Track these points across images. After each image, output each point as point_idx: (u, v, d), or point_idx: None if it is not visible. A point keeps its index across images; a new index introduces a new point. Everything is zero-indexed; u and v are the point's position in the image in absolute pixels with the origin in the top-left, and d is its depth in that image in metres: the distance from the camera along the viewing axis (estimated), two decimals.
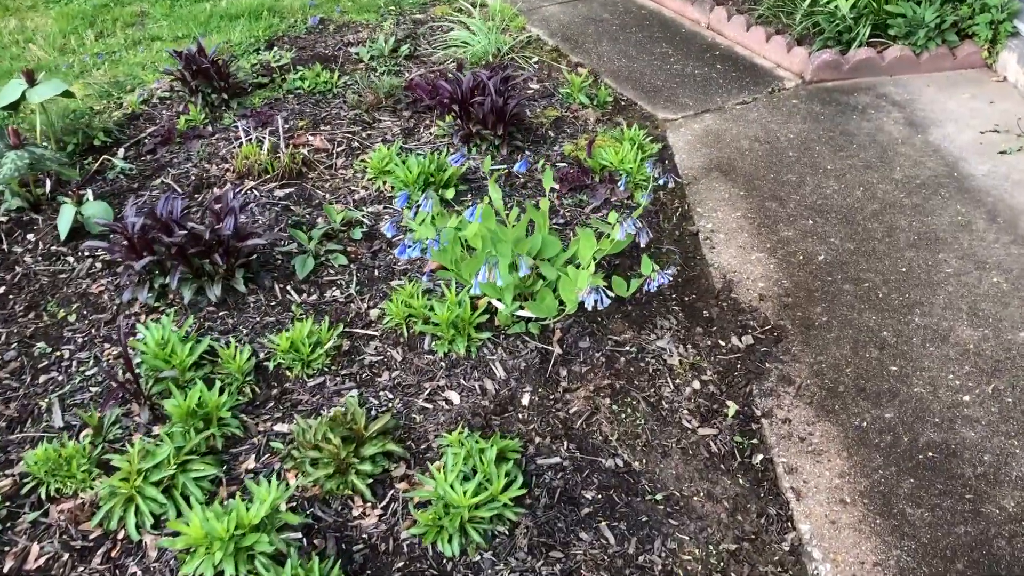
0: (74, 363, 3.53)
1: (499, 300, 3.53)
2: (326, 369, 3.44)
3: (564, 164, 4.79)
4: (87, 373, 3.48)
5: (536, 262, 3.62)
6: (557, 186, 4.58)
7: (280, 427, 3.23)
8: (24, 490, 2.98)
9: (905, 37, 5.72)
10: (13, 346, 3.61)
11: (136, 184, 4.64)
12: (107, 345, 3.61)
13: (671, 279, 3.88)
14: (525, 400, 3.33)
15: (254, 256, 3.90)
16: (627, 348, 3.58)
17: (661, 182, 3.75)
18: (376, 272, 3.98)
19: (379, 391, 3.36)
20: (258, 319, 3.70)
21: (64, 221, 4.17)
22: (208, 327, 3.67)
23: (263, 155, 4.56)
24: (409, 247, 3.25)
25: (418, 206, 3.42)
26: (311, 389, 3.38)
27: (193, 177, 4.66)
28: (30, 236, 4.29)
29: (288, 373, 3.41)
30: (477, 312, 3.53)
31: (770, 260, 4.11)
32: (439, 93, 4.93)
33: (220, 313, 3.74)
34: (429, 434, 3.18)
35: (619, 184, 4.48)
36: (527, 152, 4.88)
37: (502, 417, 3.25)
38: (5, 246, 4.20)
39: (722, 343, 3.65)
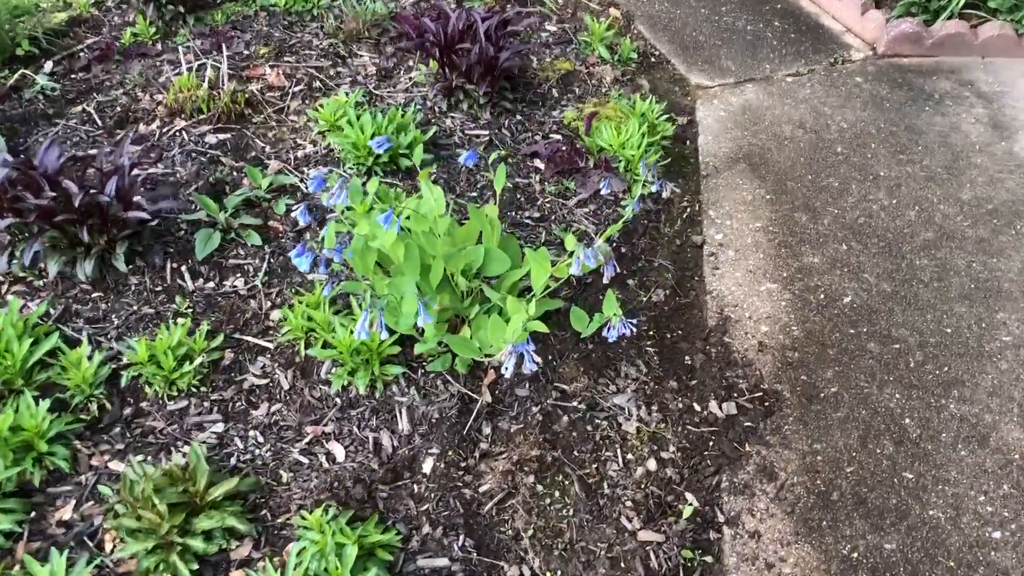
0: None
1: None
2: (194, 389, 2.77)
3: (559, 137, 3.95)
4: None
5: (478, 283, 2.87)
6: (542, 166, 3.77)
7: (117, 465, 2.58)
8: None
9: (1008, 12, 4.67)
10: None
11: (53, 109, 3.94)
12: None
13: (640, 323, 3.10)
14: (427, 466, 2.62)
15: (152, 223, 3.20)
16: (575, 403, 2.84)
17: (655, 189, 2.93)
18: None
19: (249, 429, 2.68)
20: (135, 308, 3.03)
21: None
22: (76, 311, 3.01)
23: (201, 90, 3.81)
24: (302, 255, 2.52)
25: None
26: (170, 415, 2.72)
27: (119, 108, 3.94)
28: None
29: (147, 389, 2.75)
30: (389, 340, 2.80)
31: (783, 295, 3.29)
32: (423, 32, 4.09)
33: (94, 295, 3.08)
34: (293, 502, 2.50)
35: (614, 174, 3.65)
36: (517, 116, 4.05)
37: (391, 488, 2.56)
38: None
39: (697, 408, 2.88)
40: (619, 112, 4.04)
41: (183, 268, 3.18)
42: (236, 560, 2.38)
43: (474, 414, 2.77)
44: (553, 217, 3.54)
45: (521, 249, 2.98)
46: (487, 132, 3.95)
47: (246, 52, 4.34)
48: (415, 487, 2.58)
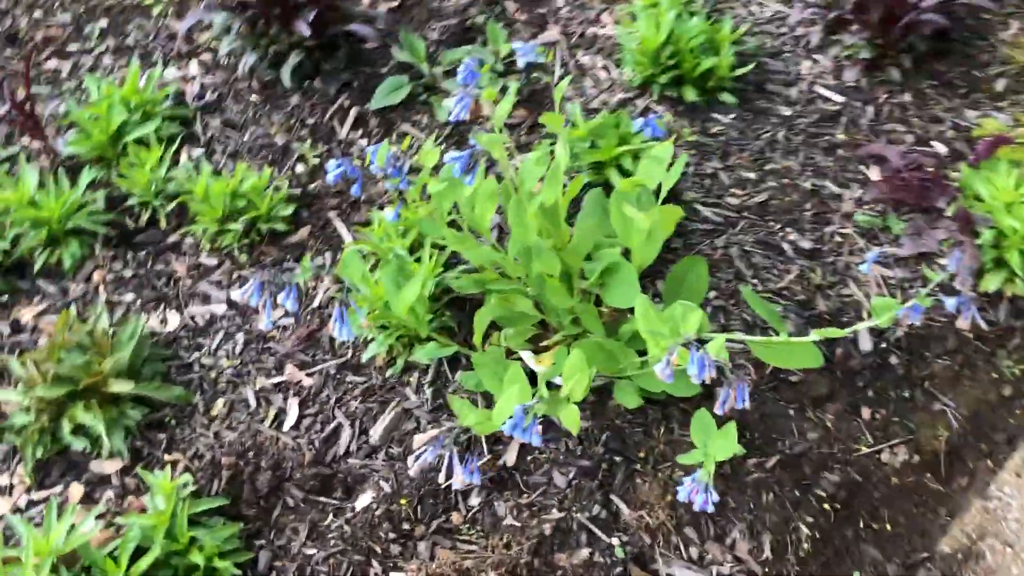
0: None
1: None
2: (234, 253, 2.26)
3: (941, 150, 2.56)
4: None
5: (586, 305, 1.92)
6: (875, 178, 2.48)
7: (105, 293, 2.21)
8: None
9: None
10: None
11: None
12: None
13: (830, 481, 1.90)
14: (364, 500, 1.88)
15: (366, 44, 2.67)
16: (616, 539, 1.84)
17: (950, 306, 1.65)
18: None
19: (239, 332, 2.14)
20: (270, 131, 2.56)
21: None
22: (207, 106, 2.63)
23: None
24: (339, 166, 1.79)
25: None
26: (195, 267, 2.27)
27: None
28: None
29: (196, 225, 2.29)
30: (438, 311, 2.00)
31: None
32: None
33: (252, 96, 2.65)
34: (195, 446, 1.94)
35: (970, 240, 2.27)
36: (905, 95, 2.69)
37: (305, 500, 1.87)
38: None
39: None
40: None
41: (352, 110, 2.60)
42: (91, 473, 1.90)
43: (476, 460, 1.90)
44: (830, 260, 2.30)
45: (722, 285, 1.92)
46: (843, 99, 2.68)
47: None
48: (329, 518, 1.85)
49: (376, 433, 1.95)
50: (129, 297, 2.20)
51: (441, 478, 1.51)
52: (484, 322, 1.83)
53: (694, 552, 1.84)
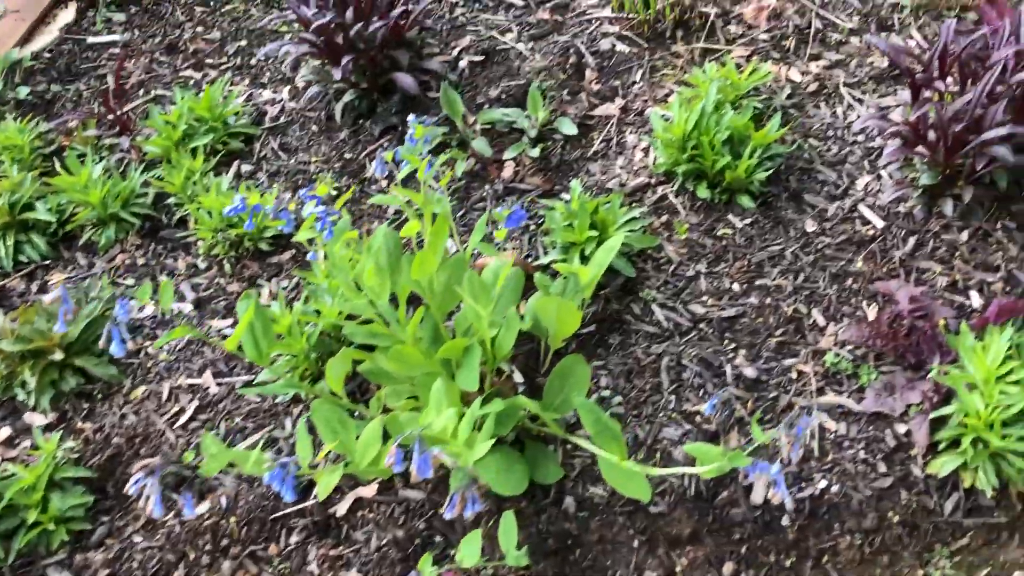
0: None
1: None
2: (222, 262, 2.52)
3: (974, 306, 2.23)
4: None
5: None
6: (872, 316, 2.21)
7: (123, 277, 2.56)
8: None
9: None
10: None
11: None
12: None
13: None
14: (204, 507, 2.03)
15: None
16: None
17: (766, 475, 1.49)
18: (469, 212, 2.59)
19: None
20: (310, 160, 2.80)
21: None
22: (286, 132, 2.91)
23: None
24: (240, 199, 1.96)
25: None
26: (190, 267, 2.55)
27: None
28: None
29: (199, 231, 2.58)
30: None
31: None
32: None
33: (312, 127, 2.92)
34: (105, 418, 2.20)
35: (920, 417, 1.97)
36: (963, 234, 2.37)
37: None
38: None
39: None
40: None
41: (388, 152, 2.76)
42: (22, 422, 2.23)
43: (293, 513, 1.98)
44: (771, 396, 2.09)
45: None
46: (883, 224, 2.41)
47: None
48: (169, 516, 2.02)
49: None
50: (130, 281, 2.52)
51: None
52: (334, 371, 1.90)
53: None
